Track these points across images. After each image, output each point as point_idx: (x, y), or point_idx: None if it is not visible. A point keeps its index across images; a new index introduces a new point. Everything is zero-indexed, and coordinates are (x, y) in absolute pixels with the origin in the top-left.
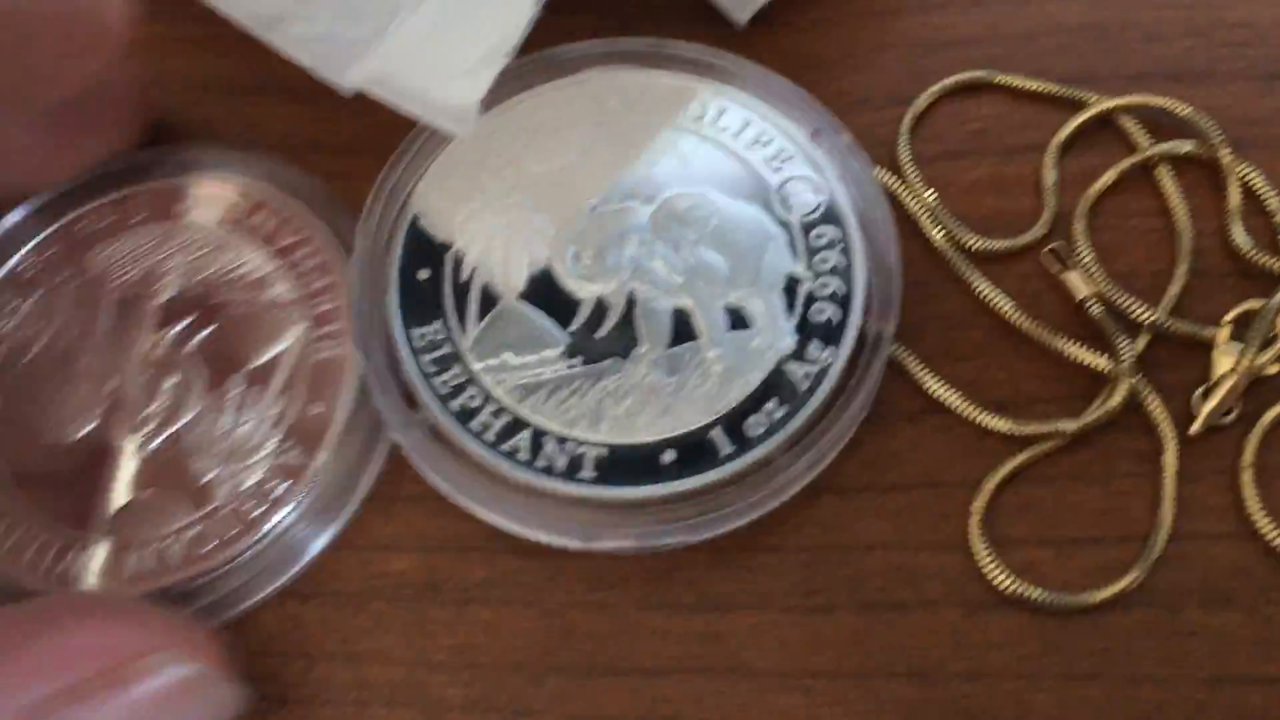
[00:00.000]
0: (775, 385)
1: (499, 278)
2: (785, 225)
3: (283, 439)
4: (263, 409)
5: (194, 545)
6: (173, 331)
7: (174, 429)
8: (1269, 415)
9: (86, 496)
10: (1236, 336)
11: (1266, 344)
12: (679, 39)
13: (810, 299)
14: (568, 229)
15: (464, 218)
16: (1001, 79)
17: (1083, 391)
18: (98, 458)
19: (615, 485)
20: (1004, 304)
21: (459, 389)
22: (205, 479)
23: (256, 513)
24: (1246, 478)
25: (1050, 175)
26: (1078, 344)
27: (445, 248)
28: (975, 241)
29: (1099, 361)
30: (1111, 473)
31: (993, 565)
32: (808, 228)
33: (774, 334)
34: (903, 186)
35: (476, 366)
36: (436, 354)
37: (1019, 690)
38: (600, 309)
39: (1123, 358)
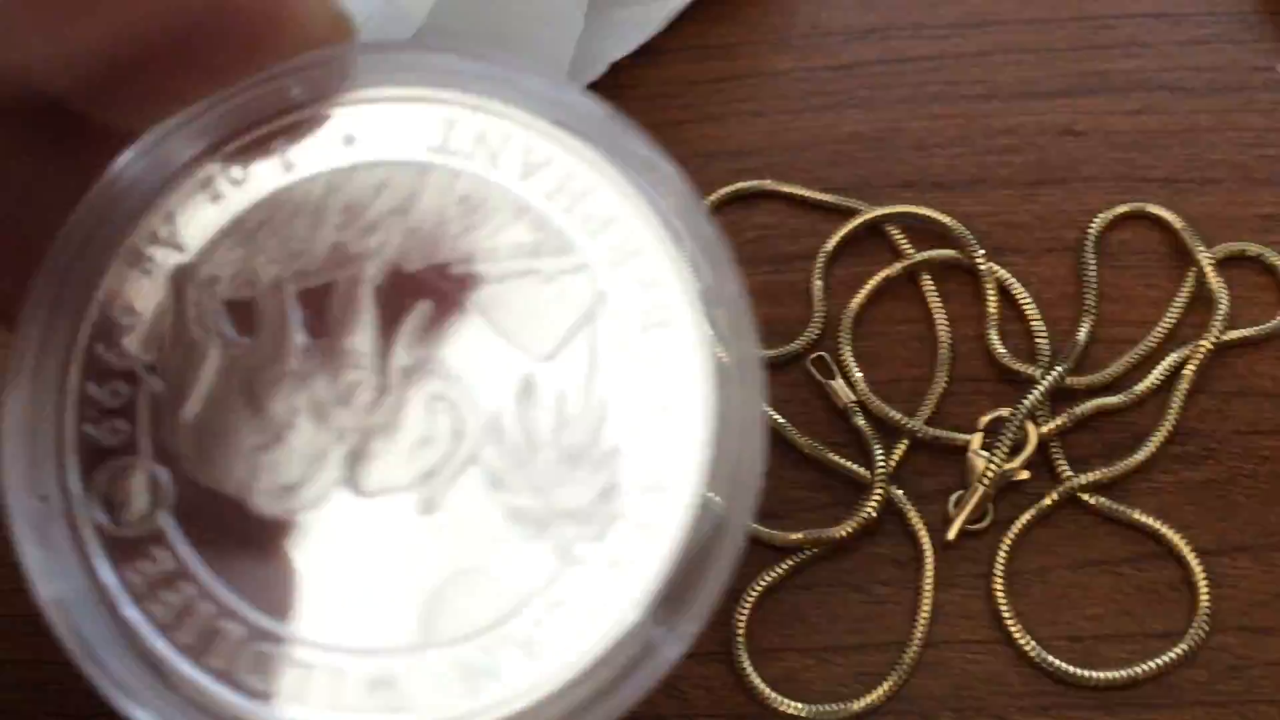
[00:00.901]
0: None
1: None
2: None
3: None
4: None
5: None
6: (410, 324)
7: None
8: (1019, 521)
9: None
10: (989, 443)
11: (1015, 450)
12: None
13: None
14: None
15: None
16: (778, 188)
17: (847, 498)
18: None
19: None
20: (772, 414)
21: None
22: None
23: None
24: (998, 584)
25: (819, 284)
26: (839, 453)
27: None
28: None
29: (859, 471)
30: (872, 579)
31: (754, 675)
32: None
33: None
34: None
35: None
36: None
37: None
38: None
39: (878, 468)
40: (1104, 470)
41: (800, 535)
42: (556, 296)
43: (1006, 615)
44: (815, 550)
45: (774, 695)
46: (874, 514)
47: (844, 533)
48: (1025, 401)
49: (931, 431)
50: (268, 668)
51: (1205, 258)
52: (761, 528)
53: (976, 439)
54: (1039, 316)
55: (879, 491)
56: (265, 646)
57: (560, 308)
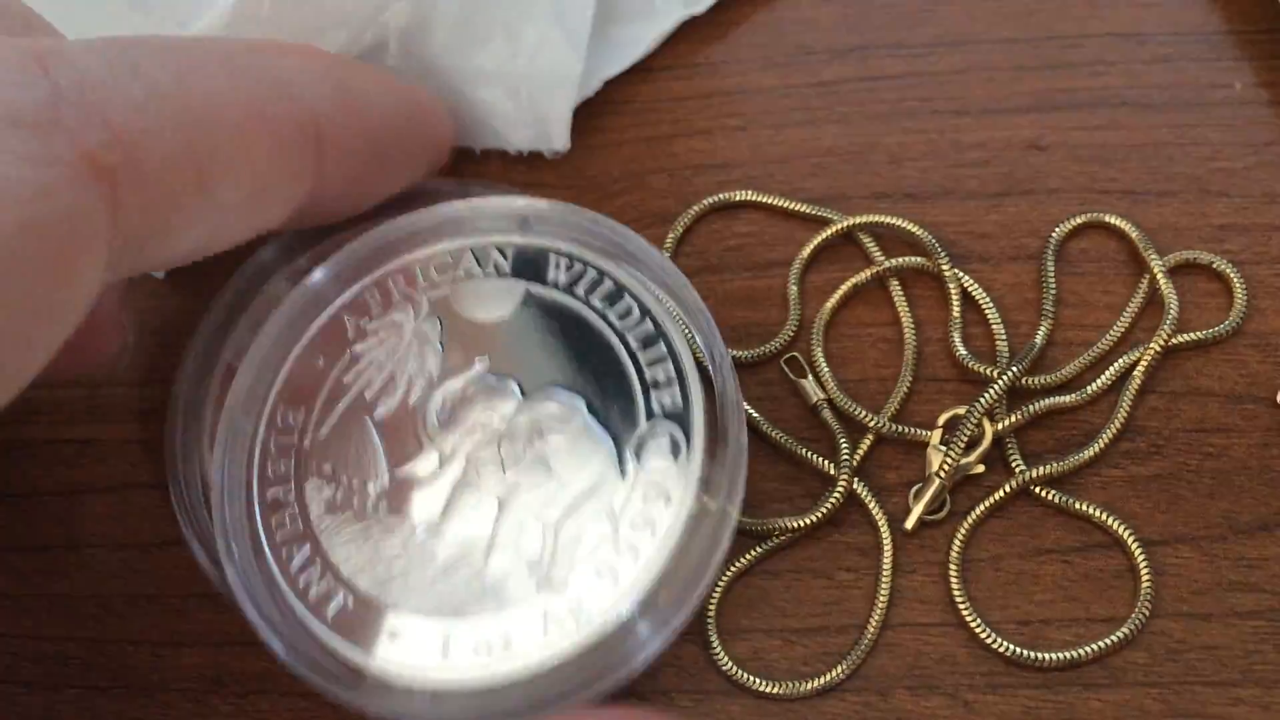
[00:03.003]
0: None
1: (373, 391)
2: (624, 475)
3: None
4: None
5: None
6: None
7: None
8: (974, 512)
9: None
10: (947, 439)
11: (972, 446)
12: (472, 162)
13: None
14: (452, 376)
15: (380, 323)
16: (758, 198)
17: (816, 490)
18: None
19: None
20: (748, 409)
21: (283, 493)
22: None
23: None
24: (953, 571)
25: (794, 288)
26: (809, 448)
27: (350, 342)
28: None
29: (825, 464)
30: (836, 566)
31: (723, 655)
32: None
33: (547, 571)
34: None
35: (309, 468)
36: (284, 440)
37: None
38: (430, 465)
39: (843, 462)
40: (1056, 465)
41: (768, 524)
42: None
43: (960, 600)
44: (783, 538)
45: (741, 673)
46: (838, 505)
47: (809, 521)
48: (981, 400)
49: (895, 428)
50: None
51: (1158, 265)
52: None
53: (936, 435)
54: (999, 320)
55: (843, 484)
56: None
57: None
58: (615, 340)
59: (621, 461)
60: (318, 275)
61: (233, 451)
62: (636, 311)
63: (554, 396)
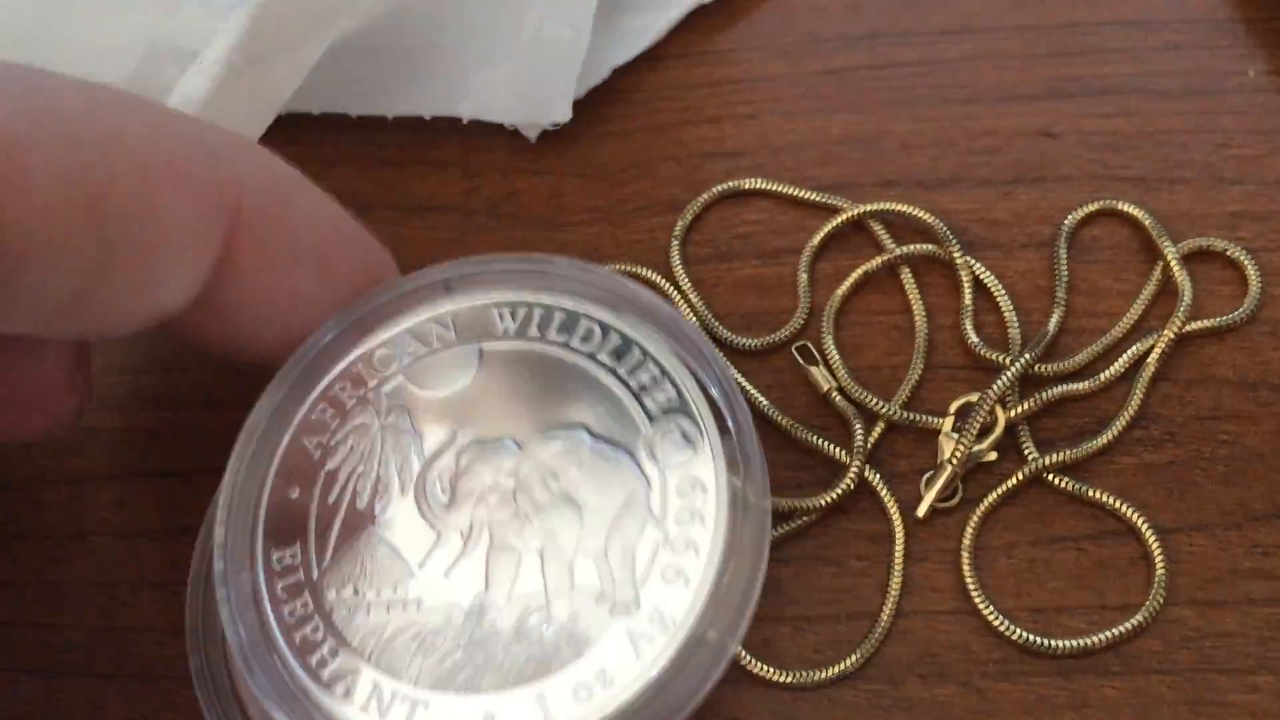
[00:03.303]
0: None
1: (365, 500)
2: (649, 480)
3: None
4: None
5: None
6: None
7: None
8: (987, 500)
9: None
10: (959, 426)
11: (984, 433)
12: (480, 150)
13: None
14: (439, 454)
15: (344, 434)
16: (767, 186)
17: (826, 478)
18: None
19: None
20: (757, 397)
21: (303, 620)
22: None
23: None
24: (965, 559)
25: (804, 276)
26: (819, 435)
27: (320, 464)
28: (734, 338)
29: (836, 451)
30: (847, 554)
31: None
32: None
33: (614, 596)
34: (673, 288)
35: (327, 596)
36: (288, 580)
37: None
38: (453, 545)
39: (856, 448)
40: (1068, 452)
41: (781, 506)
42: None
43: (972, 587)
44: (793, 526)
45: (753, 661)
46: (847, 491)
47: (821, 504)
48: (994, 387)
49: (906, 415)
50: None
51: (1171, 253)
52: None
53: (947, 422)
54: (1011, 308)
55: (855, 470)
56: None
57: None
58: (587, 362)
59: (643, 468)
60: (260, 410)
61: (242, 618)
62: (597, 330)
63: (552, 436)
